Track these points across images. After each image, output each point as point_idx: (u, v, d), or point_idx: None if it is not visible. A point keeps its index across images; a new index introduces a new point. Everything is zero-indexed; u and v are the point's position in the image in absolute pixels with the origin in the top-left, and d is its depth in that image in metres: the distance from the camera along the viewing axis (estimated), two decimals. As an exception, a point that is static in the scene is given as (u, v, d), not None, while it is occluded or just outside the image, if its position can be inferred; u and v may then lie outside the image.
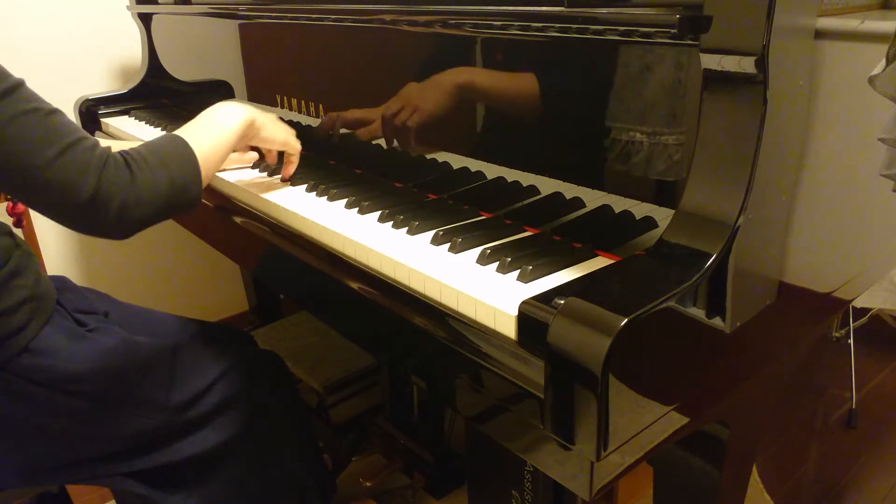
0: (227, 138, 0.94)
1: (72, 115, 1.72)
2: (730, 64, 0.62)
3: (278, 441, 1.16)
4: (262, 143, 1.05)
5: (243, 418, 1.09)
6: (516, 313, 0.64)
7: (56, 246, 1.89)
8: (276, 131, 1.05)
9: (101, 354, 0.98)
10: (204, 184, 0.89)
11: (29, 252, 0.99)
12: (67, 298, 1.04)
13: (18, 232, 0.97)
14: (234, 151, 1.03)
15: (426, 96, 0.98)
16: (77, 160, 0.76)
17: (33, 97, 0.78)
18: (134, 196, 0.79)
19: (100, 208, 0.77)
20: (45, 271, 1.03)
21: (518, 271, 0.73)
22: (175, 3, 1.61)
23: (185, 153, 0.86)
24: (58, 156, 0.75)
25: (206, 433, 1.05)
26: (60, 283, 1.09)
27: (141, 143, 0.89)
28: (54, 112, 0.78)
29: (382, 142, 1.09)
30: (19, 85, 0.77)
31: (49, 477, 0.98)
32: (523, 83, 0.86)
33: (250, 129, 1.00)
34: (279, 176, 1.13)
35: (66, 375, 0.94)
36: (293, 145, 1.08)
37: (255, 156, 1.21)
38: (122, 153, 0.81)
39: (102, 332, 1.01)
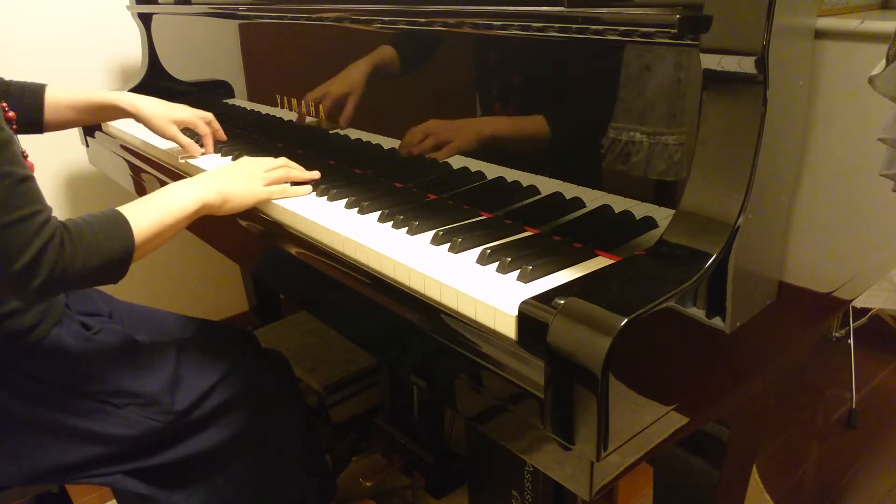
0: (174, 219, 0.93)
1: (72, 115, 1.72)
2: (730, 64, 0.62)
3: (280, 441, 1.16)
4: (232, 212, 1.01)
5: (245, 418, 1.09)
6: (516, 313, 0.64)
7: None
8: (243, 199, 0.99)
9: (107, 357, 1.00)
10: (142, 256, 0.90)
11: None
12: (73, 300, 1.05)
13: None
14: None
15: (452, 137, 0.97)
16: (25, 233, 0.77)
17: (14, 160, 0.78)
18: (59, 275, 0.80)
19: (25, 280, 0.78)
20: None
21: (518, 271, 0.73)
22: (175, 3, 1.61)
23: (123, 237, 0.86)
24: (9, 224, 0.76)
25: (209, 432, 1.06)
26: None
27: None
28: (26, 180, 0.79)
29: (382, 142, 1.09)
30: (7, 142, 0.77)
31: (55, 476, 0.98)
32: (531, 96, 0.86)
33: (208, 210, 0.97)
34: (304, 187, 1.07)
35: (73, 377, 0.95)
36: (273, 195, 1.02)
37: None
38: (63, 232, 0.81)
39: (106, 334, 1.02)
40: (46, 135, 1.23)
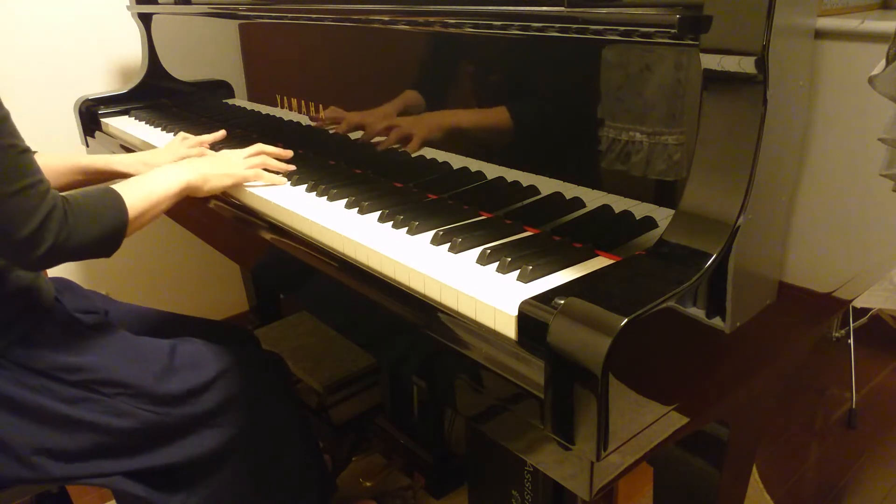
0: (163, 198, 1.01)
1: (72, 115, 1.72)
2: (730, 64, 0.62)
3: (278, 442, 1.16)
4: (210, 194, 1.10)
5: (243, 419, 1.09)
6: (516, 313, 0.65)
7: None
8: (221, 179, 1.10)
9: (98, 347, 1.00)
10: (133, 231, 0.97)
11: None
12: (68, 298, 1.05)
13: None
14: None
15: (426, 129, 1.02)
16: (29, 202, 0.82)
17: (14, 132, 0.82)
18: (62, 243, 0.85)
19: (31, 247, 0.83)
20: (45, 272, 1.05)
21: (518, 271, 0.73)
22: (175, 3, 1.61)
23: (117, 210, 0.93)
24: (14, 193, 0.81)
25: (206, 434, 1.05)
26: (62, 284, 1.09)
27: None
28: (25, 151, 0.83)
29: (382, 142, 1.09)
30: (4, 118, 0.81)
31: (51, 468, 0.97)
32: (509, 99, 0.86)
33: (191, 191, 1.07)
34: (279, 176, 1.13)
35: (61, 365, 0.96)
36: (248, 178, 1.11)
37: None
38: (64, 203, 0.87)
39: (100, 329, 1.03)
40: (47, 133, 1.22)
